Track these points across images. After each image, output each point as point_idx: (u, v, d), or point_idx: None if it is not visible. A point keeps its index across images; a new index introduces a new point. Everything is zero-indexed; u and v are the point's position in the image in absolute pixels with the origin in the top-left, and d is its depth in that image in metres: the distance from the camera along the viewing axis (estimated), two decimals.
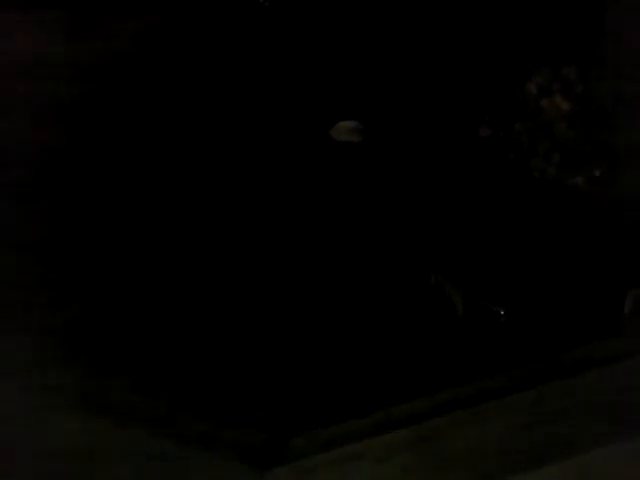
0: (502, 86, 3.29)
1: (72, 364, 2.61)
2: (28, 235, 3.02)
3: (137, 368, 2.65)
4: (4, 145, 3.28)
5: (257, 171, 3.44)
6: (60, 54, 3.57)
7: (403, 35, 3.71)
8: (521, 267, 2.88)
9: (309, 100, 3.69)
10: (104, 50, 3.60)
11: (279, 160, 3.50)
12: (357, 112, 3.72)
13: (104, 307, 2.87)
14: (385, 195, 3.35)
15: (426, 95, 3.59)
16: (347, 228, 3.22)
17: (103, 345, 2.74)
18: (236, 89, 3.67)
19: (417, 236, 3.15)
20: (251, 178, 3.42)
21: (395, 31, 3.72)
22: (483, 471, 2.17)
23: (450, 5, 3.62)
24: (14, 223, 3.05)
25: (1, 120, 3.35)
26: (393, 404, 2.45)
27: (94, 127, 3.41)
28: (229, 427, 2.44)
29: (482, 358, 2.55)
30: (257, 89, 3.69)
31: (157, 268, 3.00)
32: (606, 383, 2.30)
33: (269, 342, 2.70)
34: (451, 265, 2.92)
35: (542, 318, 2.69)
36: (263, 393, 2.52)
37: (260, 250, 3.09)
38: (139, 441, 2.31)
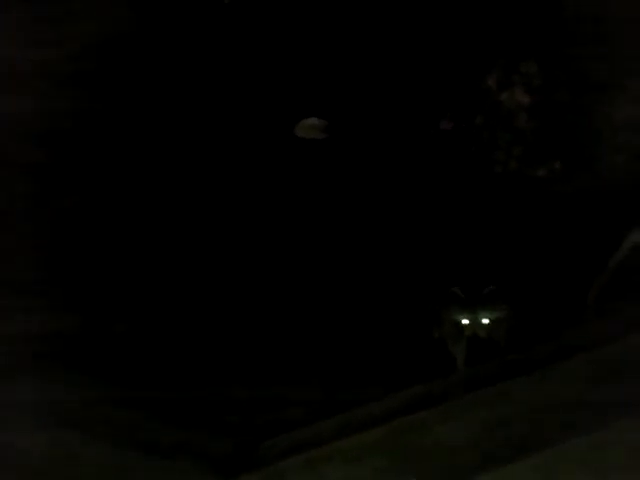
0: (462, 80, 3.28)
1: (38, 375, 2.58)
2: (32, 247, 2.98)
3: (106, 377, 2.62)
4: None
5: (221, 169, 3.41)
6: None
7: (364, 32, 3.69)
8: (485, 260, 2.88)
9: (272, 98, 3.66)
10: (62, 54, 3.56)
11: (243, 158, 3.47)
12: (320, 109, 3.71)
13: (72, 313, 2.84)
14: (350, 190, 3.34)
15: (388, 91, 3.58)
16: (312, 225, 3.21)
17: (73, 354, 2.71)
18: (198, 88, 3.64)
19: (381, 230, 3.14)
20: (215, 176, 3.39)
21: (357, 28, 3.71)
22: (453, 468, 2.16)
23: (410, 2, 3.60)
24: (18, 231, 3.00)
25: None
26: (361, 404, 2.45)
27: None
28: (197, 434, 2.41)
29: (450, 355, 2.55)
30: (219, 88, 3.66)
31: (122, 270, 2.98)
32: (572, 376, 2.31)
33: (236, 348, 2.68)
34: (417, 258, 2.92)
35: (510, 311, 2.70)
36: (230, 399, 2.50)
37: (218, 257, 3.06)
38: (104, 452, 2.27)
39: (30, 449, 2.28)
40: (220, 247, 3.04)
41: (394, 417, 2.39)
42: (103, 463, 2.24)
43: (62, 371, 2.60)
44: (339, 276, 2.92)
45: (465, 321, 2.51)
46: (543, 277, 2.81)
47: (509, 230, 3.00)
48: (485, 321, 2.51)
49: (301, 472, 2.26)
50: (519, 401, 2.27)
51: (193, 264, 2.99)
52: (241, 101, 3.62)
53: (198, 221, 3.16)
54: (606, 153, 2.99)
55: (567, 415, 2.18)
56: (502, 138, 3.13)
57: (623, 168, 2.97)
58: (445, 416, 2.33)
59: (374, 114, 3.59)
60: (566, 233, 2.92)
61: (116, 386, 2.54)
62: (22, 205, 3.15)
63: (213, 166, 3.41)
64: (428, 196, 3.22)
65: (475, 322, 2.51)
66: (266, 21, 3.80)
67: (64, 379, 2.58)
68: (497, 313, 2.53)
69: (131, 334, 2.77)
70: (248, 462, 2.33)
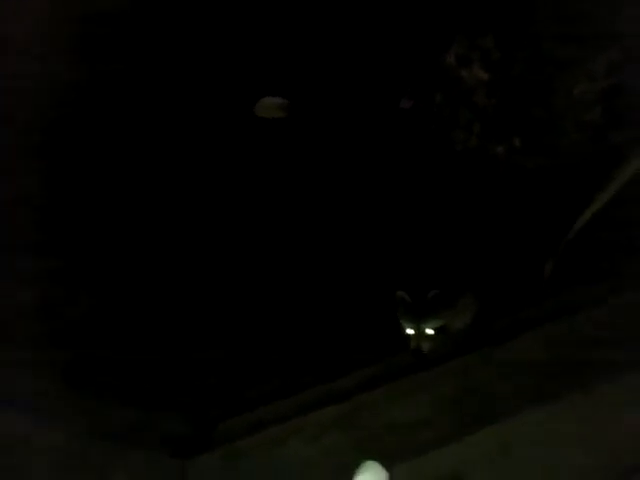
0: (422, 57, 3.26)
1: None
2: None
3: (55, 356, 2.57)
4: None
5: (182, 149, 3.38)
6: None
7: (324, 10, 3.66)
8: (444, 237, 2.88)
9: (232, 76, 3.62)
10: None
11: (203, 137, 3.43)
12: (280, 88, 3.67)
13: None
14: (311, 171, 3.31)
15: (349, 69, 3.55)
16: (273, 205, 3.18)
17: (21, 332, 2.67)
18: (158, 66, 3.60)
19: (341, 211, 3.12)
20: (177, 157, 3.36)
21: (315, 6, 3.67)
22: (410, 444, 2.15)
23: None
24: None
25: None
26: (319, 383, 2.43)
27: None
28: (152, 416, 2.39)
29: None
30: (178, 66, 3.61)
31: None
32: (525, 351, 2.32)
33: (192, 329, 2.65)
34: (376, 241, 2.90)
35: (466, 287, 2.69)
36: (187, 380, 2.47)
37: (176, 237, 3.03)
38: (55, 435, 2.23)
39: None
40: (175, 224, 3.01)
41: (350, 396, 2.39)
42: (54, 446, 2.20)
43: (10, 350, 2.56)
44: (296, 256, 2.90)
45: (410, 331, 2.37)
46: (504, 255, 2.81)
47: (471, 207, 2.99)
48: (429, 332, 2.36)
49: (259, 451, 2.25)
50: (472, 378, 2.27)
51: (149, 238, 2.96)
52: (199, 79, 3.58)
53: (157, 200, 3.13)
54: (564, 129, 2.99)
55: (519, 390, 2.18)
56: (462, 115, 3.11)
57: (581, 144, 2.97)
58: (399, 394, 2.32)
59: (335, 93, 3.56)
60: (525, 209, 2.92)
61: (66, 365, 2.50)
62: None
63: (170, 146, 3.37)
64: (390, 175, 3.21)
65: (419, 332, 2.35)
66: None
67: (13, 358, 2.53)
68: (442, 321, 2.34)
69: (83, 312, 2.74)
70: (204, 443, 2.31)
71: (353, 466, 2.11)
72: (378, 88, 3.46)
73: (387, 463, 2.02)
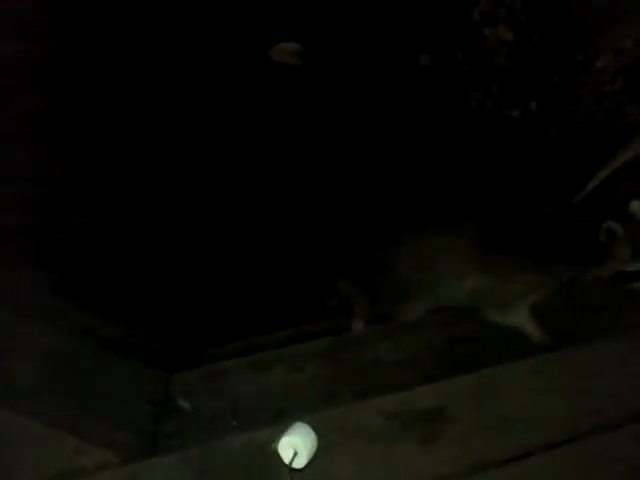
0: (446, 12, 3.23)
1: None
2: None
3: (62, 268, 2.57)
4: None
5: (194, 88, 3.35)
6: None
7: None
8: (454, 195, 2.86)
9: (248, 19, 3.58)
10: None
11: (217, 79, 3.41)
12: (297, 34, 3.63)
13: None
14: (324, 118, 3.29)
15: (368, 19, 3.51)
16: (285, 148, 3.16)
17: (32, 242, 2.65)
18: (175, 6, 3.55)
19: (351, 161, 3.10)
20: (188, 95, 3.33)
21: None
22: (395, 380, 2.14)
23: None
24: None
25: None
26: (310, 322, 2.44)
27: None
28: (142, 332, 2.39)
29: None
30: (195, 6, 3.57)
31: None
32: None
33: (189, 260, 2.65)
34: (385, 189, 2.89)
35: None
36: (181, 302, 2.48)
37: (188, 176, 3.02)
38: (46, 335, 2.22)
39: None
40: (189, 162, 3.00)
41: (339, 332, 2.39)
42: (42, 347, 2.18)
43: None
44: (309, 200, 2.90)
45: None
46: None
47: (480, 166, 2.97)
48: None
49: (242, 373, 2.24)
50: (461, 328, 2.27)
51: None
52: (215, 21, 3.55)
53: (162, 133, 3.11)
54: (582, 99, 2.97)
55: (510, 341, 2.19)
56: (481, 75, 3.08)
57: (597, 116, 2.95)
58: (392, 334, 2.31)
59: (352, 43, 3.52)
60: (532, 175, 2.90)
61: (60, 273, 2.50)
62: None
63: (185, 83, 3.35)
64: (402, 129, 3.19)
65: None
66: None
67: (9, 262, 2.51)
68: None
69: (86, 228, 2.74)
70: (189, 361, 2.31)
71: (334, 397, 2.11)
72: (397, 41, 3.42)
73: (371, 395, 2.01)
